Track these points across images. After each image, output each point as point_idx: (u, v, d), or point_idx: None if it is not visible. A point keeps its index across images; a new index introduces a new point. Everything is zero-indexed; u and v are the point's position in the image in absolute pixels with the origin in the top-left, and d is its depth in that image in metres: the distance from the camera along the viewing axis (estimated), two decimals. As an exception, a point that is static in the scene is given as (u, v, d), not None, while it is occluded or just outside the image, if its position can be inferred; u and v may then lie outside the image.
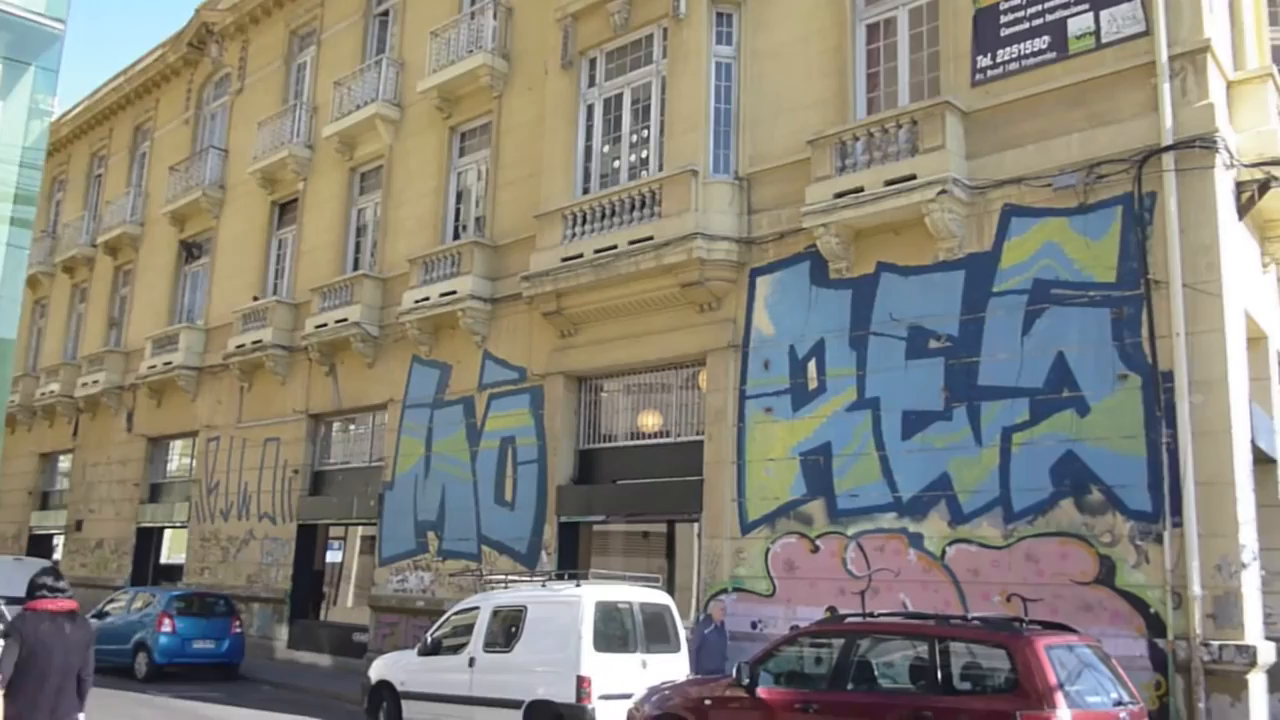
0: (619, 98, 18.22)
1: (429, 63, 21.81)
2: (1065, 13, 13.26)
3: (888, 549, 13.58)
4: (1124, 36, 12.72)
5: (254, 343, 24.83)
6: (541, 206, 18.35)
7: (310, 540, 23.83)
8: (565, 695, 12.01)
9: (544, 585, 13.67)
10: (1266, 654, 11.25)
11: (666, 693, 10.92)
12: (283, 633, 23.53)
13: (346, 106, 23.99)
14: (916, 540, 13.33)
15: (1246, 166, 12.58)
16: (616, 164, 18.16)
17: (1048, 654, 8.46)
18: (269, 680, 19.96)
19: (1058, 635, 9.07)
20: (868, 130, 14.31)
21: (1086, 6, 13.08)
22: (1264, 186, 12.65)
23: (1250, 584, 11.23)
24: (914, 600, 13.04)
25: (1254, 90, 12.97)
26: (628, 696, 11.45)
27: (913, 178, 13.61)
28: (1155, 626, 11.39)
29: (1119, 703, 8.78)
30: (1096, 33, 12.95)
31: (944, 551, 13.08)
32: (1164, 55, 12.23)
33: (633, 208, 16.78)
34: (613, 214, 17.06)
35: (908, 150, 13.85)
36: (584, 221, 17.47)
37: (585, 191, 18.18)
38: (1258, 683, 11.19)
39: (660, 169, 16.90)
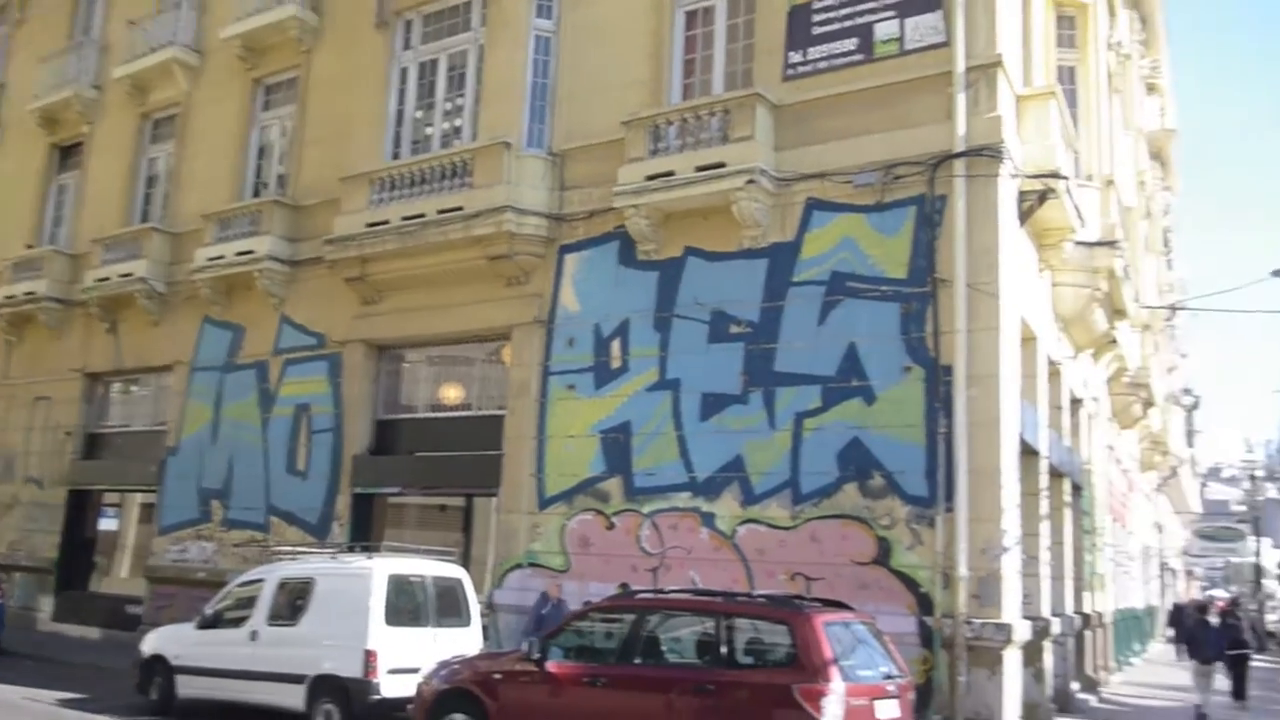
0: (435, 63, 17.81)
1: (234, 9, 20.75)
2: (873, 18, 13.78)
3: (681, 527, 13.87)
4: (925, 45, 13.33)
5: (25, 294, 23.14)
6: (348, 169, 17.74)
7: (82, 506, 22.52)
8: (352, 669, 11.77)
9: (334, 557, 13.38)
10: (1022, 632, 12.14)
11: (456, 666, 10.84)
12: (47, 604, 22.16)
13: (140, 48, 22.57)
14: (709, 519, 13.67)
15: (1029, 177, 13.44)
16: (429, 131, 17.76)
17: (825, 630, 8.83)
18: (29, 654, 18.70)
19: (835, 613, 9.46)
20: (682, 115, 14.51)
21: (893, 14, 13.63)
22: (1043, 196, 13.59)
23: (1010, 567, 12.07)
24: (704, 578, 13.35)
25: (1039, 106, 13.88)
26: (417, 670, 11.31)
27: (722, 165, 13.88)
28: (925, 605, 12.09)
29: (888, 676, 9.27)
30: (901, 39, 13.53)
31: (734, 531, 13.47)
32: (960, 66, 12.90)
33: (443, 176, 16.45)
34: (423, 181, 16.68)
35: (719, 138, 14.12)
36: (392, 187, 17.02)
37: (395, 156, 17.71)
38: (1013, 658, 12.05)
39: (474, 139, 16.64)
